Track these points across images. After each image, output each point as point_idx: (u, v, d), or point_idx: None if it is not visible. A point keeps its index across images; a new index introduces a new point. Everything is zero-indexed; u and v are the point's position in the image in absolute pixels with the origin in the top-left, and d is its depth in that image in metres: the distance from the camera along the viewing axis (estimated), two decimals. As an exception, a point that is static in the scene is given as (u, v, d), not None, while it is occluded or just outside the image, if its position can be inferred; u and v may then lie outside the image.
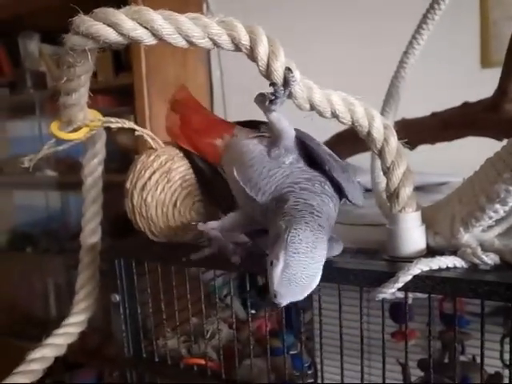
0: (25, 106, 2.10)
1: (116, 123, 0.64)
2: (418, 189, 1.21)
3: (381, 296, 0.48)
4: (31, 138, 2.18)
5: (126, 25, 0.46)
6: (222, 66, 1.88)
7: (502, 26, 1.45)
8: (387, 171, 0.58)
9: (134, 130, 1.59)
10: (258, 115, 0.58)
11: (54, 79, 2.03)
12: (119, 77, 1.71)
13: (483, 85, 1.45)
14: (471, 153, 1.13)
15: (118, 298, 0.70)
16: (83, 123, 0.65)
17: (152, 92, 1.59)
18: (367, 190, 1.18)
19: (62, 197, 2.20)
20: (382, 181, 0.89)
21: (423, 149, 1.08)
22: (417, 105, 1.04)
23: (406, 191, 0.57)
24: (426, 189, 1.21)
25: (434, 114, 1.00)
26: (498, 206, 0.49)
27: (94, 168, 0.81)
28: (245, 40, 0.50)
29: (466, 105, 0.97)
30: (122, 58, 1.73)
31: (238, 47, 0.51)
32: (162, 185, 0.64)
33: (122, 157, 1.58)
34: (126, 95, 1.65)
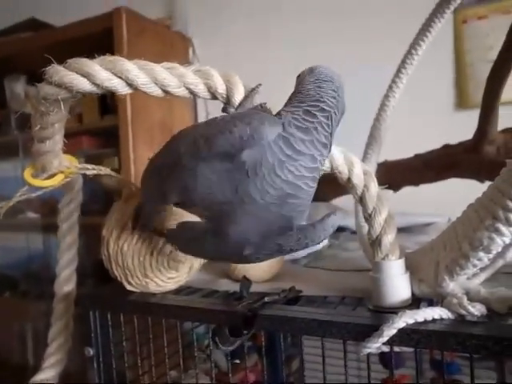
0: (8, 146, 2.08)
1: (92, 170, 0.63)
2: (403, 230, 1.21)
3: (365, 351, 0.45)
4: (14, 179, 2.15)
5: (100, 75, 0.46)
6: (208, 108, 1.90)
7: (479, 69, 1.50)
8: (369, 218, 0.57)
9: (117, 172, 1.57)
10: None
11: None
12: (104, 119, 1.72)
13: (460, 123, 1.47)
14: (456, 193, 1.14)
15: (91, 351, 0.66)
16: (58, 170, 0.63)
17: (137, 134, 1.59)
18: (353, 233, 1.18)
19: (43, 239, 2.15)
20: (366, 224, 0.88)
21: (408, 190, 1.08)
22: (395, 146, 1.05)
23: (389, 238, 0.56)
24: (412, 230, 1.20)
25: (416, 156, 1.01)
26: (481, 253, 0.48)
27: (70, 213, 0.79)
28: (221, 89, 0.50)
29: (447, 146, 0.98)
30: (107, 100, 1.74)
31: (214, 96, 0.51)
32: (139, 233, 0.62)
33: (107, 198, 1.56)
34: (110, 137, 1.65)
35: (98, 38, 1.66)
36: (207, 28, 1.93)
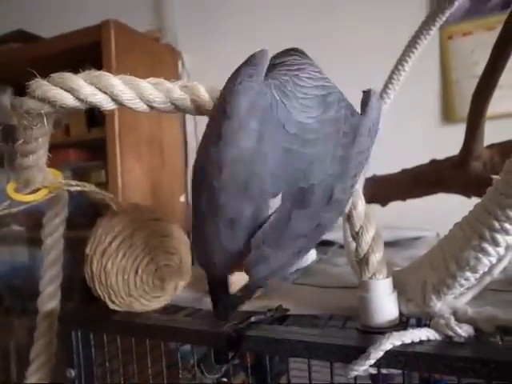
0: (-7, 158, 2.06)
1: (76, 186, 0.62)
2: (391, 244, 1.21)
3: (352, 374, 0.45)
4: (-1, 191, 2.11)
5: (84, 90, 0.45)
6: (196, 121, 1.89)
7: (464, 84, 1.52)
8: (356, 236, 0.56)
9: (104, 185, 1.56)
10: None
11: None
12: (92, 131, 1.70)
13: (446, 138, 1.49)
14: (444, 207, 1.15)
15: (73, 373, 0.64)
16: (42, 185, 0.62)
17: (125, 147, 1.57)
18: (341, 247, 1.18)
19: (29, 252, 2.11)
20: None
21: (395, 203, 1.08)
22: (383, 161, 1.05)
23: (376, 257, 0.55)
24: (400, 244, 1.20)
25: (404, 171, 1.01)
26: (468, 273, 0.48)
27: (54, 228, 0.77)
28: (209, 105, 0.49)
29: (434, 162, 0.99)
30: (95, 112, 1.73)
31: (201, 112, 0.50)
32: (124, 250, 0.61)
33: (93, 212, 1.54)
34: (98, 150, 1.64)
35: (86, 51, 1.65)
36: (197, 41, 1.94)
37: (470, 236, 0.48)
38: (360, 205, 0.56)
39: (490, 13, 1.48)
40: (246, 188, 0.39)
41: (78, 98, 0.45)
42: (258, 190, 0.40)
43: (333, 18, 1.67)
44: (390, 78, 0.96)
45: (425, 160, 1.01)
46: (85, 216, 1.48)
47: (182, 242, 0.67)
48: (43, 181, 0.62)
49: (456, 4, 0.87)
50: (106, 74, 0.46)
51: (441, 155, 0.98)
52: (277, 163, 0.40)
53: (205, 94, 0.49)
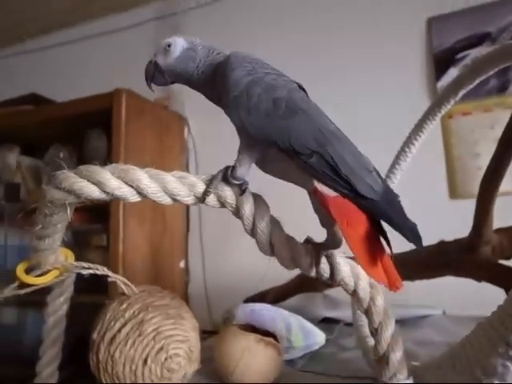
0: (-7, 215, 2.04)
1: (88, 269, 0.60)
2: (398, 323, 1.17)
3: None
4: (-5, 247, 2.08)
5: (111, 184, 0.45)
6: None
7: (466, 162, 1.56)
8: (375, 333, 0.55)
9: (105, 249, 1.53)
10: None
11: (28, 191, 2.01)
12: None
13: (452, 214, 1.50)
14: (451, 284, 1.14)
15: None
16: (53, 266, 0.61)
17: (128, 211, 1.57)
18: (347, 324, 1.15)
19: (18, 313, 2.04)
20: (365, 324, 0.85)
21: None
22: (390, 237, 1.05)
23: (397, 356, 0.53)
24: (405, 323, 1.18)
25: (410, 251, 1.01)
26: (496, 381, 0.46)
27: (58, 307, 0.75)
28: (231, 199, 0.50)
29: (442, 243, 0.98)
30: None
31: (223, 205, 0.51)
32: (133, 339, 0.59)
33: (93, 276, 1.51)
34: (100, 213, 1.63)
35: (96, 116, 1.69)
36: (202, 109, 1.99)
37: (495, 342, 0.47)
38: (379, 301, 0.55)
39: (487, 95, 1.55)
40: None
41: (104, 191, 0.45)
42: None
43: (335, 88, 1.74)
44: (397, 158, 0.98)
45: (433, 236, 1.01)
46: (84, 280, 1.45)
47: (192, 328, 0.65)
48: (55, 262, 0.61)
49: (461, 94, 0.90)
50: (133, 167, 0.47)
51: (448, 231, 0.98)
52: None
53: (227, 188, 0.50)
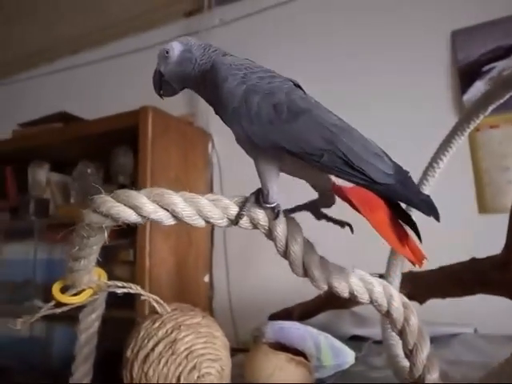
0: (23, 230, 2.10)
1: (122, 288, 0.62)
2: (429, 342, 1.14)
3: None
4: (24, 262, 2.13)
5: (147, 208, 0.46)
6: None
7: (495, 175, 1.53)
8: (409, 355, 0.54)
9: (132, 264, 1.56)
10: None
11: (57, 206, 2.06)
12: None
13: (482, 229, 1.46)
14: (483, 301, 1.11)
15: None
16: (87, 286, 0.62)
17: (154, 227, 1.59)
18: (377, 342, 1.13)
19: (47, 328, 2.08)
20: (397, 343, 0.84)
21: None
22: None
23: (433, 378, 0.52)
24: (436, 341, 1.15)
25: (441, 269, 0.99)
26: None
27: (90, 324, 0.76)
28: (263, 221, 0.50)
29: (474, 260, 0.96)
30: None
31: (255, 227, 0.51)
32: (166, 357, 0.59)
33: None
34: (127, 228, 1.65)
35: (123, 133, 1.74)
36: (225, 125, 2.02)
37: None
38: (413, 321, 0.54)
39: (515, 108, 1.52)
40: None
41: (140, 215, 0.46)
42: None
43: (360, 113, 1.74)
44: (425, 173, 0.97)
45: (462, 250, 0.99)
46: (111, 296, 1.47)
47: (223, 347, 0.65)
48: (89, 282, 0.62)
49: (490, 109, 0.89)
50: (168, 191, 0.48)
51: (478, 246, 0.97)
52: None
53: (260, 211, 0.51)
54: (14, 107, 2.65)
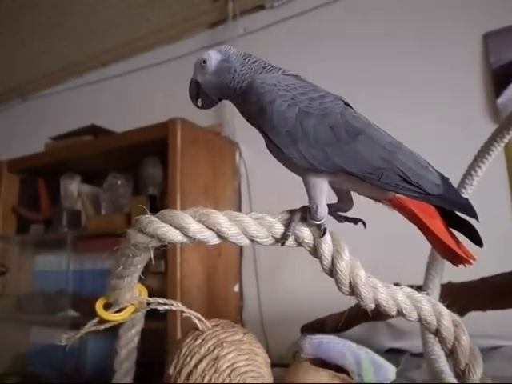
0: (57, 242, 2.14)
1: (164, 305, 0.62)
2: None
3: None
4: (57, 273, 2.17)
5: (193, 228, 0.46)
6: (251, 211, 1.92)
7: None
8: (462, 376, 0.52)
9: (163, 274, 1.56)
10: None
11: (88, 218, 2.09)
12: (153, 220, 1.74)
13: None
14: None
15: None
16: (130, 302, 0.63)
17: (185, 238, 1.60)
18: (414, 355, 1.10)
19: (80, 338, 2.10)
20: (438, 357, 0.82)
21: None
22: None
23: (487, 400, 0.50)
24: (477, 354, 1.11)
25: (483, 280, 0.96)
26: None
27: (130, 339, 0.77)
28: (308, 239, 0.50)
29: (517, 271, 0.93)
30: (156, 202, 1.79)
31: (300, 245, 0.51)
32: (209, 375, 0.59)
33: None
34: (158, 239, 1.67)
35: (153, 145, 1.76)
36: (253, 133, 2.02)
37: None
38: (465, 340, 0.52)
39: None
40: None
41: (186, 235, 0.46)
42: None
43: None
44: (462, 182, 0.94)
45: (496, 261, 0.96)
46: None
47: (264, 364, 0.64)
48: (131, 299, 0.62)
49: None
50: (213, 211, 0.47)
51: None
52: None
53: (305, 228, 0.50)
54: (46, 121, 2.72)
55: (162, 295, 1.49)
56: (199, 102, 0.59)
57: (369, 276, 0.51)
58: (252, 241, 0.49)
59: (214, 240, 0.48)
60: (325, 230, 0.49)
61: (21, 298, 2.17)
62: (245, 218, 0.48)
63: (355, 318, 1.23)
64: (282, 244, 0.49)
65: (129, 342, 0.77)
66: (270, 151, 0.55)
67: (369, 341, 1.09)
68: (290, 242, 0.50)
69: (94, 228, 1.98)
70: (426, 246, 0.89)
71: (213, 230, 0.47)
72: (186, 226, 0.46)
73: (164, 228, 0.47)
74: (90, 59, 2.56)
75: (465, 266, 0.54)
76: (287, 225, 0.49)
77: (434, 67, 1.65)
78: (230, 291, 1.85)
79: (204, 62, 0.57)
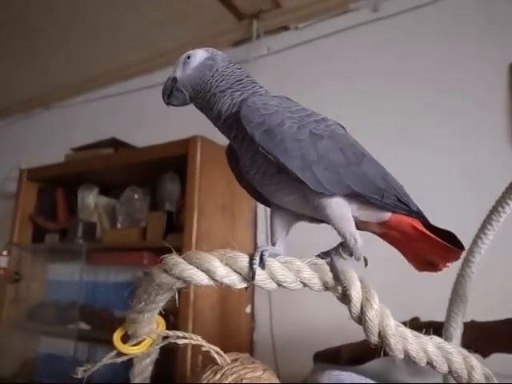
0: (72, 252, 2.14)
1: (183, 339, 0.60)
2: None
3: None
4: (69, 284, 2.17)
5: (221, 272, 0.45)
6: (267, 230, 1.90)
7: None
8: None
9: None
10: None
11: (103, 230, 2.09)
12: (168, 238, 1.74)
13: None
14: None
15: None
16: (148, 335, 0.61)
17: (200, 257, 1.59)
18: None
19: (89, 349, 2.10)
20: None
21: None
22: (482, 304, 0.97)
23: None
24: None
25: (508, 321, 0.93)
26: None
27: (144, 368, 0.75)
28: (331, 283, 0.48)
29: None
30: (173, 219, 1.79)
31: (327, 289, 0.49)
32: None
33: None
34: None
35: (172, 161, 1.76)
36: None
37: None
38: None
39: None
40: None
41: (212, 279, 0.45)
42: None
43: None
44: (489, 218, 0.92)
45: None
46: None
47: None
48: (149, 332, 0.61)
49: None
50: (240, 254, 0.46)
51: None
52: None
53: (329, 273, 0.49)
54: (68, 132, 2.75)
55: (174, 315, 1.47)
56: (168, 98, 0.58)
57: (398, 325, 0.49)
58: (279, 285, 0.48)
59: (240, 284, 0.47)
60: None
61: (32, 307, 2.18)
62: (273, 261, 0.47)
63: (372, 351, 1.20)
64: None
65: (142, 371, 0.75)
66: (250, 179, 0.59)
67: (387, 376, 1.06)
68: (319, 286, 0.49)
69: (108, 241, 1.98)
70: (444, 279, 0.86)
71: (240, 274, 0.46)
72: (213, 269, 0.45)
73: (190, 270, 0.46)
74: (113, 72, 2.59)
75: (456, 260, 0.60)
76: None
77: (459, 97, 1.63)
78: (242, 312, 1.82)
79: (188, 57, 0.58)
